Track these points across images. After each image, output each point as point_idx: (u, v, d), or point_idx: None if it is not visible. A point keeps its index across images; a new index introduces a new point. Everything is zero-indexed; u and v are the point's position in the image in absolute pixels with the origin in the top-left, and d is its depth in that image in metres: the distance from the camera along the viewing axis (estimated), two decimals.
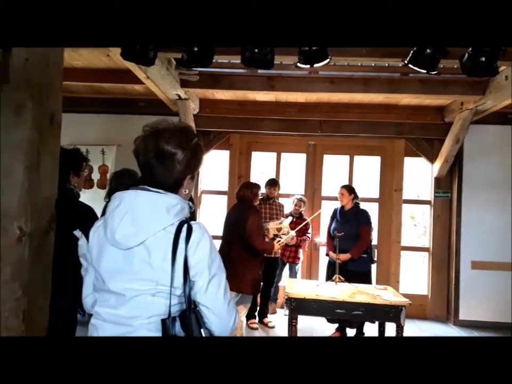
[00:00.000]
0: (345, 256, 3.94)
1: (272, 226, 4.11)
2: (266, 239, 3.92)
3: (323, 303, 3.06)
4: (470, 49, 2.40)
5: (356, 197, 4.25)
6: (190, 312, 1.18)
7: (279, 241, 3.93)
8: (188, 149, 1.26)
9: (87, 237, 2.11)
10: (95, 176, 5.15)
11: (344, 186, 4.32)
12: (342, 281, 3.57)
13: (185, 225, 1.20)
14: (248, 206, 3.68)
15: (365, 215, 4.17)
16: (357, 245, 4.00)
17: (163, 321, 1.15)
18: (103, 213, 2.92)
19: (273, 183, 4.76)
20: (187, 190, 1.32)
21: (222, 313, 1.22)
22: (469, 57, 2.43)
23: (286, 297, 3.21)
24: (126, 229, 1.18)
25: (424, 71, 2.54)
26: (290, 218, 4.44)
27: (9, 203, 1.78)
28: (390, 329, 3.45)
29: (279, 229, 4.11)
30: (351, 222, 4.11)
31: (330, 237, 4.24)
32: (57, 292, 1.97)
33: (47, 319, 1.93)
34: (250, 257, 3.53)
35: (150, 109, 5.13)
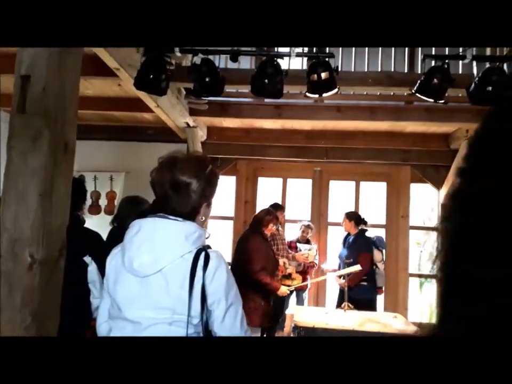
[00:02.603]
0: (343, 283, 3.94)
1: (301, 254, 4.19)
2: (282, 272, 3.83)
3: (332, 332, 3.00)
4: (477, 78, 2.45)
5: (358, 223, 4.23)
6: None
7: (289, 285, 3.81)
8: (202, 178, 1.28)
9: (95, 262, 2.12)
10: (103, 202, 5.17)
11: (345, 213, 4.36)
12: (351, 309, 3.51)
13: (203, 253, 1.21)
14: (253, 232, 3.52)
15: (363, 242, 4.11)
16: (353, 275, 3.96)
17: None
18: (109, 238, 2.95)
19: (281, 207, 4.66)
20: (203, 217, 1.34)
21: None
22: (476, 86, 2.48)
23: (293, 325, 3.11)
24: (144, 256, 1.19)
25: (432, 100, 2.59)
26: (315, 246, 4.57)
27: (22, 230, 1.79)
28: None
29: (306, 257, 4.21)
30: (351, 248, 4.13)
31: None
32: (66, 319, 1.94)
33: None
34: (251, 290, 3.22)
35: (159, 136, 5.20)
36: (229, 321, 1.19)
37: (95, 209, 5.10)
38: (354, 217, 4.27)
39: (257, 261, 3.31)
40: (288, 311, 4.86)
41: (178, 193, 1.25)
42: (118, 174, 5.17)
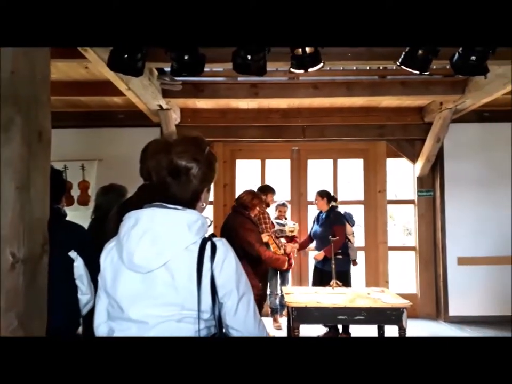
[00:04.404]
0: (319, 255, 4.21)
1: (287, 228, 4.16)
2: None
3: (325, 310, 3.01)
4: (461, 48, 2.44)
5: (330, 200, 4.42)
6: (221, 336, 1.10)
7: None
8: (202, 161, 1.19)
9: (81, 257, 2.00)
10: (75, 192, 4.95)
11: (317, 192, 4.53)
12: (339, 286, 3.54)
13: (209, 243, 1.13)
14: (241, 215, 3.42)
15: (336, 216, 4.32)
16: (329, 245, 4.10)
17: None
18: (90, 231, 2.80)
19: (273, 190, 4.63)
20: (204, 204, 1.25)
21: (253, 336, 1.14)
22: (460, 56, 2.46)
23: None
24: (146, 250, 1.09)
25: (417, 72, 2.56)
26: (289, 220, 4.66)
27: (0, 227, 1.65)
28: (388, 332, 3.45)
29: (292, 231, 4.22)
30: (325, 224, 4.32)
31: (310, 238, 4.59)
32: (54, 318, 1.83)
33: None
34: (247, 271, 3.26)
35: (130, 121, 5.00)
36: (242, 312, 1.13)
37: (67, 200, 4.85)
38: (325, 195, 4.44)
39: (255, 241, 3.30)
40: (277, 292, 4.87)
41: (177, 179, 1.15)
42: (90, 163, 4.94)
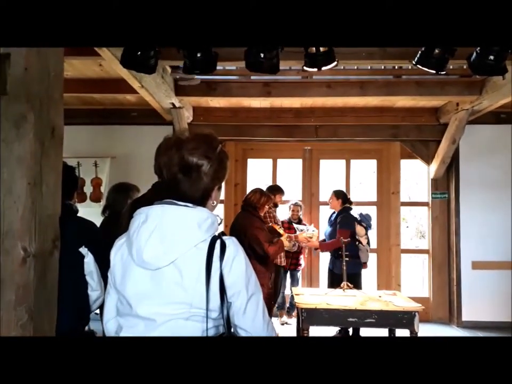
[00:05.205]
0: (313, 244, 4.24)
1: (306, 235, 4.16)
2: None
3: (335, 312, 2.98)
4: (478, 48, 2.38)
5: (344, 201, 4.31)
6: (229, 335, 1.09)
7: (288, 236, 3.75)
8: (213, 158, 1.17)
9: (92, 253, 2.01)
10: (88, 189, 5.00)
11: (333, 191, 4.42)
12: (350, 288, 3.50)
13: (218, 241, 1.11)
14: (250, 214, 3.42)
15: (345, 220, 4.19)
16: (329, 241, 4.19)
17: None
18: (102, 228, 2.80)
19: (282, 190, 4.63)
20: (215, 202, 1.24)
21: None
22: (477, 56, 2.41)
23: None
24: (155, 247, 1.08)
25: (434, 71, 2.51)
26: (312, 226, 4.57)
27: (11, 222, 1.67)
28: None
29: (310, 237, 4.15)
30: (334, 225, 4.26)
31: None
32: (63, 314, 1.84)
33: None
34: (258, 270, 3.19)
35: (143, 119, 5.02)
36: (251, 313, 1.11)
37: (80, 197, 4.91)
38: (341, 196, 4.34)
39: (264, 240, 3.28)
40: (286, 292, 4.84)
41: (188, 176, 1.14)
42: (103, 160, 4.98)
